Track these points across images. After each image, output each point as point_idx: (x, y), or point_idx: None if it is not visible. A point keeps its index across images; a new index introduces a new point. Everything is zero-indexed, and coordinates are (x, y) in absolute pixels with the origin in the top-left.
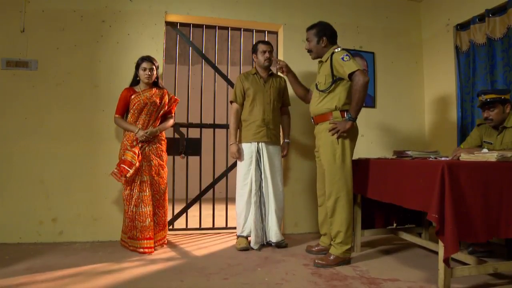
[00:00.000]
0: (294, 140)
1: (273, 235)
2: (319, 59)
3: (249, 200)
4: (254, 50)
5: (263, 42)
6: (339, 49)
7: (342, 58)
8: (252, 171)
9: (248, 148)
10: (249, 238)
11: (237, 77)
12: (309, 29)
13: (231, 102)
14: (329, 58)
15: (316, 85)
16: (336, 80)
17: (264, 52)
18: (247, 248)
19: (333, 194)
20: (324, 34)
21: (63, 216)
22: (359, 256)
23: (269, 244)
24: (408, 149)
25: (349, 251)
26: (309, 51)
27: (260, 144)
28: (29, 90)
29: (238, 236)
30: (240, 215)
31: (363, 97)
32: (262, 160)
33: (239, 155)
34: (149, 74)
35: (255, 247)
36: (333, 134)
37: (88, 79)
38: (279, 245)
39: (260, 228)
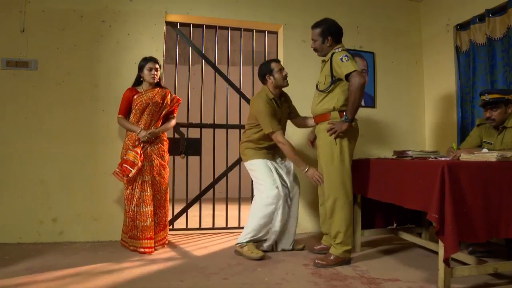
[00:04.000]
0: (294, 140)
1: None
2: (322, 58)
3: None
4: (268, 70)
5: (276, 60)
6: (340, 49)
7: (341, 59)
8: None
9: (264, 162)
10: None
11: (264, 103)
12: (314, 27)
13: (273, 132)
14: (330, 57)
15: (317, 85)
16: (335, 80)
17: (281, 70)
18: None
19: (331, 194)
20: (330, 33)
21: (63, 216)
22: (359, 256)
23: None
24: (408, 149)
25: (349, 251)
26: (315, 49)
27: (271, 161)
28: (29, 90)
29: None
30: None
31: (359, 98)
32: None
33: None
34: (155, 74)
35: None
36: (331, 135)
37: (88, 79)
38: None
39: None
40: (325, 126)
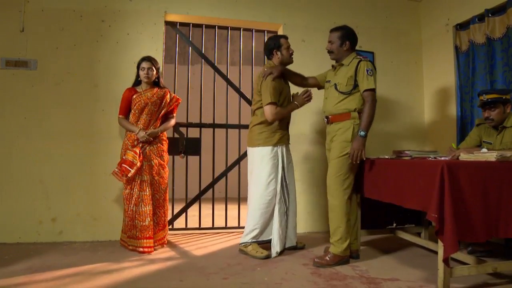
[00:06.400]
0: (294, 141)
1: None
2: (338, 62)
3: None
4: (276, 45)
5: (285, 37)
6: (367, 59)
7: (367, 71)
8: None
9: (272, 151)
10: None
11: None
12: (333, 30)
13: (270, 103)
14: (356, 64)
15: (335, 86)
16: (357, 85)
17: (289, 47)
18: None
19: (338, 188)
20: (348, 38)
21: (62, 216)
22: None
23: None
24: (407, 149)
25: (348, 248)
26: (330, 52)
27: (282, 147)
28: (28, 90)
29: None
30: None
31: (374, 112)
32: (284, 165)
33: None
34: (147, 74)
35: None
36: (356, 161)
37: (88, 79)
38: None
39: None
40: (341, 126)
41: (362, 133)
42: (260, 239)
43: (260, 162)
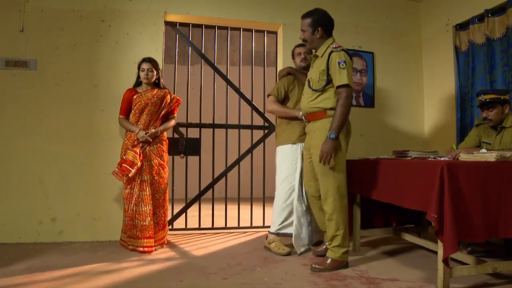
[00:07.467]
0: None
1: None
2: (314, 52)
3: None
4: (292, 55)
5: (299, 45)
6: (339, 48)
7: (339, 63)
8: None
9: (292, 149)
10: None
11: (283, 75)
12: (304, 17)
13: (270, 95)
14: (327, 55)
15: (308, 82)
16: (331, 80)
17: (300, 53)
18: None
19: (330, 195)
20: (321, 24)
21: (62, 215)
22: (358, 256)
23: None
24: (407, 149)
25: (347, 253)
26: (304, 40)
27: (303, 145)
28: (28, 90)
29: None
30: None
31: (347, 114)
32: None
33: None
34: (147, 75)
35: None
36: (325, 164)
37: (88, 79)
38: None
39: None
40: (319, 125)
41: (333, 135)
42: (282, 232)
43: (280, 158)
